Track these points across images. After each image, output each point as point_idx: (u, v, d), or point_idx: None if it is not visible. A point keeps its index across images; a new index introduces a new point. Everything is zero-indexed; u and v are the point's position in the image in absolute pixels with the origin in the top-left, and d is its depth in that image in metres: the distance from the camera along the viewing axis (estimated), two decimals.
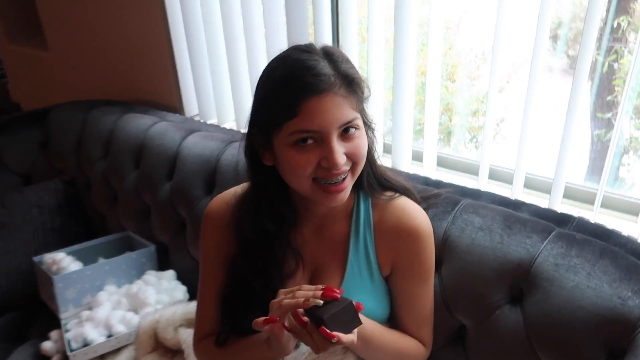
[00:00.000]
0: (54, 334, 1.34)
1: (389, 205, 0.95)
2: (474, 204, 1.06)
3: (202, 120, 1.76)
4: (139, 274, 1.45)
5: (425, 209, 0.99)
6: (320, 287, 0.76)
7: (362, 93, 0.85)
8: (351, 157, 0.83)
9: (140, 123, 1.62)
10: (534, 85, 1.13)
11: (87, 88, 2.14)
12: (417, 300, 0.97)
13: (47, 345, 1.31)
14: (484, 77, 1.84)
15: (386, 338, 0.92)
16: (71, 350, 1.21)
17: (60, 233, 1.70)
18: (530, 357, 0.93)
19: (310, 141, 0.80)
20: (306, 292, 0.77)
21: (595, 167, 1.66)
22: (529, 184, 1.26)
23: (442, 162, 1.42)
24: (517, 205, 1.07)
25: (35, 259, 1.50)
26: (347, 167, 0.84)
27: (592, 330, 0.85)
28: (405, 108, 1.33)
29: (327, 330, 0.73)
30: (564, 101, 1.12)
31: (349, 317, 0.76)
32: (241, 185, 1.00)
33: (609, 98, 1.65)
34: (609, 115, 1.67)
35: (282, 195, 0.91)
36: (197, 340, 1.00)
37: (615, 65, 1.55)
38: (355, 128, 0.82)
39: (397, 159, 1.39)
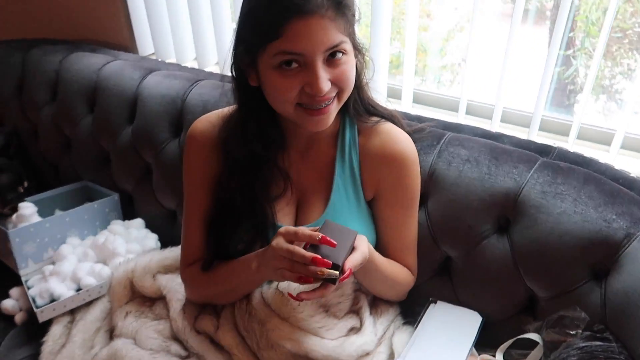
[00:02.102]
0: (14, 291, 1.24)
1: (374, 129, 0.94)
2: (458, 137, 1.05)
3: (159, 60, 1.62)
4: (103, 224, 1.36)
5: None
6: (318, 235, 0.75)
7: (353, 15, 0.81)
8: (337, 84, 0.81)
9: (91, 62, 1.48)
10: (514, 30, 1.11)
11: (20, 26, 1.91)
12: (401, 227, 0.97)
13: (8, 304, 1.21)
14: (439, 18, 1.81)
15: (383, 263, 0.92)
16: (37, 307, 1.13)
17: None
18: (516, 283, 0.96)
19: (294, 65, 0.77)
20: (303, 231, 0.77)
21: (554, 101, 1.71)
22: (504, 118, 1.27)
23: (418, 99, 1.40)
24: (498, 137, 1.08)
25: None
26: (332, 94, 0.82)
27: (579, 253, 0.88)
28: (381, 42, 1.28)
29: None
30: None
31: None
32: (227, 107, 0.95)
33: (570, 35, 1.67)
34: (569, 52, 1.70)
35: (269, 117, 0.88)
36: (184, 267, 0.98)
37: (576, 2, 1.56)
38: (343, 53, 0.79)
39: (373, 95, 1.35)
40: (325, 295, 0.77)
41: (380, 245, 0.99)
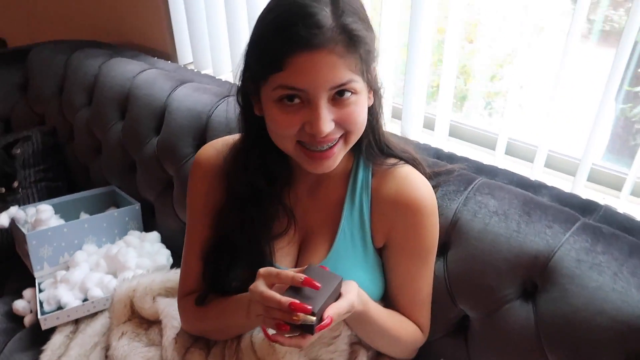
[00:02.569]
0: (27, 292, 1.26)
1: (390, 172, 0.86)
2: (489, 183, 0.95)
3: (196, 70, 1.61)
4: (122, 232, 1.35)
5: (434, 187, 0.89)
6: (301, 276, 0.68)
7: (368, 52, 0.73)
8: (343, 125, 0.73)
9: (127, 69, 1.48)
10: (565, 51, 0.99)
11: (72, 25, 1.97)
12: (413, 281, 0.88)
13: (20, 305, 1.23)
14: (501, 40, 1.66)
15: (381, 315, 0.83)
16: (43, 314, 1.13)
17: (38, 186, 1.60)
18: (537, 356, 0.84)
19: (296, 100, 0.71)
20: (287, 273, 0.70)
21: (616, 145, 1.53)
22: (549, 163, 1.14)
23: (454, 132, 1.29)
24: (538, 187, 0.96)
25: None
26: (337, 135, 0.74)
27: (614, 338, 0.76)
28: (418, 68, 1.19)
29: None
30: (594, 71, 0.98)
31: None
32: (236, 135, 0.90)
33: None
34: (638, 88, 1.52)
35: (275, 150, 0.81)
36: (180, 297, 0.94)
37: None
38: (352, 92, 0.71)
39: (406, 125, 1.26)
40: (302, 345, 0.70)
41: (389, 298, 0.90)
